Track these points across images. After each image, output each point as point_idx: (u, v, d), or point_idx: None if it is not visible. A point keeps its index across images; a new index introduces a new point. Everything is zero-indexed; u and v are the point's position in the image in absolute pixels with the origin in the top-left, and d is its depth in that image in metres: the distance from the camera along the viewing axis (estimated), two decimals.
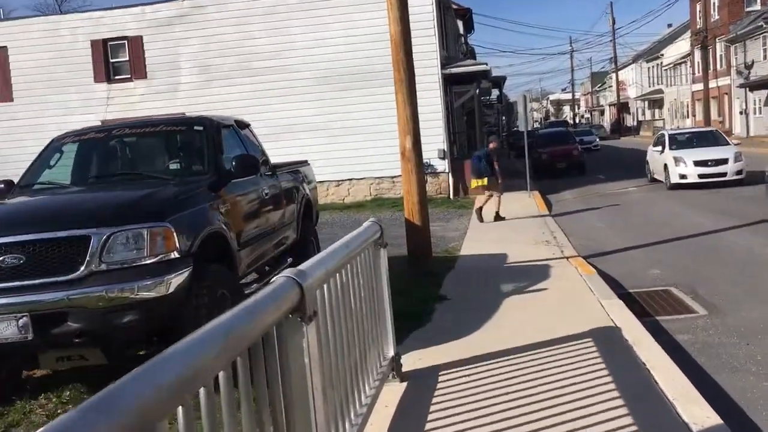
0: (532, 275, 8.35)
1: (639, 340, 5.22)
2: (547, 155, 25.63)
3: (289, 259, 7.33)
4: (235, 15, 19.84)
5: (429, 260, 8.93)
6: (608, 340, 5.29)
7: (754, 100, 38.32)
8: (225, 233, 5.34)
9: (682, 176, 17.83)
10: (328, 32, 19.44)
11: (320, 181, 21.00)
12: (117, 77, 20.77)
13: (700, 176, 17.66)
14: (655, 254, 9.90)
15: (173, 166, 6.09)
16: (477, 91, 20.62)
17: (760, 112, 37.80)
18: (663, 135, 20.38)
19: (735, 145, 19.03)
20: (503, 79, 39.98)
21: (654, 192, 18.26)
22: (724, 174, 17.56)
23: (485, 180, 14.37)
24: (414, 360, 5.25)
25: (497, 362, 4.98)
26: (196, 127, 6.12)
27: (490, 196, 14.51)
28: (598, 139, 44.63)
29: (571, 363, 4.78)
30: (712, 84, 39.60)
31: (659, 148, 19.51)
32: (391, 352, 4.77)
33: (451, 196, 19.67)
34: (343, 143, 19.56)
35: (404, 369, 4.93)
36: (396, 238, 11.40)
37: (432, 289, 7.71)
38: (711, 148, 18.48)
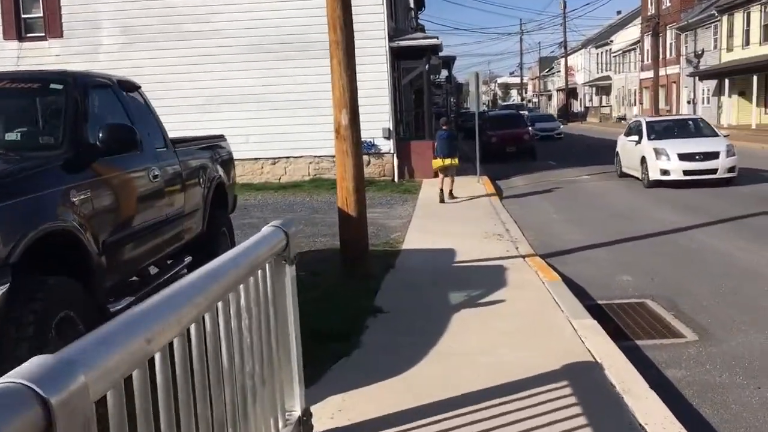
0: (487, 280, 7.09)
1: (629, 387, 3.98)
2: (497, 138, 24.55)
3: (187, 259, 5.85)
4: None
5: (365, 259, 7.56)
6: (591, 386, 4.03)
7: (703, 90, 38.19)
8: (77, 232, 3.84)
9: (664, 171, 14.94)
10: None
11: (254, 159, 19.50)
12: (29, 35, 18.56)
13: (686, 172, 14.79)
14: (623, 255, 8.78)
15: (11, 136, 4.51)
16: (426, 67, 19.26)
17: (708, 102, 37.70)
18: (639, 123, 17.24)
19: (725, 136, 16.14)
20: (453, 59, 38.76)
21: (612, 181, 17.31)
22: (714, 170, 14.70)
23: (456, 159, 14.67)
24: (332, 411, 3.88)
25: (446, 418, 3.66)
26: (52, 85, 4.55)
27: (449, 176, 14.59)
28: (561, 126, 39.45)
29: (546, 426, 3.49)
30: (661, 72, 39.30)
31: (635, 138, 16.51)
32: (297, 409, 3.39)
33: (396, 179, 18.34)
34: (279, 118, 17.94)
35: (317, 430, 3.55)
36: (332, 226, 10.05)
37: (365, 299, 6.35)
38: (698, 139, 15.80)
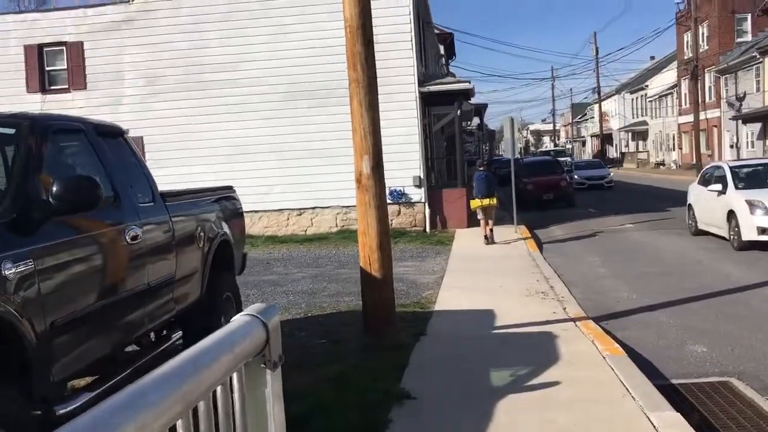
0: (534, 352, 6.02)
1: None
2: (534, 186, 23.51)
3: (176, 335, 4.92)
4: (187, 21, 17.54)
5: (391, 325, 6.56)
6: None
7: (747, 134, 36.76)
8: (10, 317, 2.94)
9: (764, 230, 11.71)
10: (292, 42, 17.20)
11: (279, 210, 18.75)
12: (53, 87, 18.33)
13: None
14: (689, 318, 7.62)
15: None
16: (458, 113, 18.50)
17: (753, 146, 36.20)
18: (721, 169, 13.80)
19: None
20: (484, 106, 38.13)
21: (660, 231, 16.09)
22: None
23: (494, 199, 14.82)
24: None
25: None
26: (2, 130, 3.74)
27: (488, 219, 14.71)
28: (611, 173, 33.63)
29: None
30: (700, 116, 38.05)
31: (716, 187, 13.17)
32: None
33: (428, 230, 17.37)
34: (306, 167, 17.22)
35: None
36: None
37: (390, 378, 5.32)
38: None
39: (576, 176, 31.14)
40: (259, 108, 17.40)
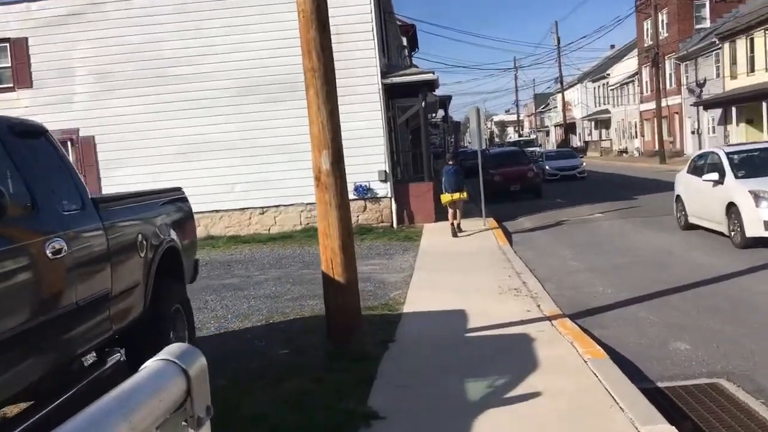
0: (512, 358, 5.62)
1: None
2: (500, 177, 23.23)
3: (112, 359, 4.39)
4: (140, 14, 16.74)
5: (357, 333, 6.10)
6: None
7: (708, 120, 37.09)
8: None
9: None
10: (251, 34, 16.55)
11: (242, 209, 18.10)
12: None
13: None
14: (668, 313, 7.31)
15: None
16: (423, 104, 18.08)
17: (714, 132, 36.54)
18: (716, 155, 12.30)
19: None
20: (449, 98, 37.83)
21: (628, 219, 15.90)
22: None
23: (464, 193, 14.94)
24: None
25: None
26: None
27: (456, 210, 14.87)
28: (584, 163, 31.59)
29: None
30: (662, 103, 38.25)
31: (713, 176, 11.71)
32: None
33: (395, 225, 16.93)
34: (268, 164, 16.64)
35: None
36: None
37: (356, 395, 4.85)
38: None
39: (547, 167, 30.11)
40: (218, 103, 16.73)
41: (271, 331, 7.54)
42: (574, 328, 6.61)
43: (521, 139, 68.10)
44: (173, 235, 5.69)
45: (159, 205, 5.65)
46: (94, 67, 16.91)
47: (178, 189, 6.46)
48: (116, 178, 16.92)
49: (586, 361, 5.29)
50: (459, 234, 14.60)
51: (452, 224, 14.73)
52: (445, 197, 14.95)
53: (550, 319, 7.13)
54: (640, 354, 5.91)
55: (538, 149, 50.22)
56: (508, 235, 14.85)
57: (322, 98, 5.85)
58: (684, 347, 6.02)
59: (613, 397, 4.47)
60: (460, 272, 10.52)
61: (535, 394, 4.59)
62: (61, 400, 3.73)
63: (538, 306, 7.85)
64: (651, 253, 11.26)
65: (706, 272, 9.16)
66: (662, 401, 4.77)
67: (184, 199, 6.39)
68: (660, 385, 5.15)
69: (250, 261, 13.45)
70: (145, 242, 5.04)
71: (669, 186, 23.93)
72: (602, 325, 6.99)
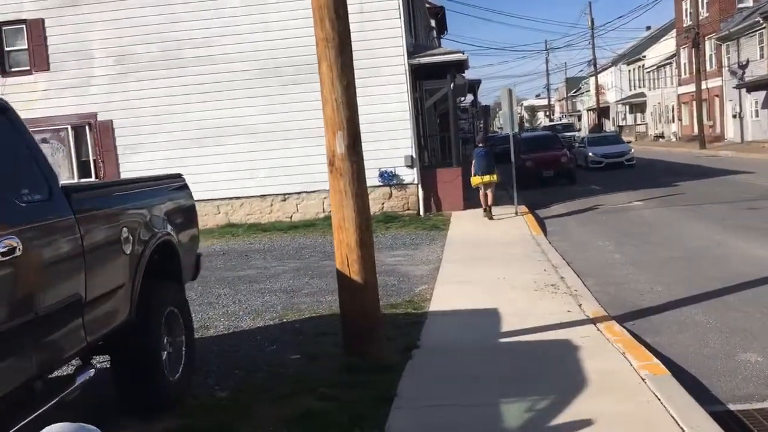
0: (553, 371, 4.87)
1: None
2: (533, 162, 22.29)
3: (81, 377, 3.73)
4: None
5: (376, 340, 5.38)
6: None
7: (751, 102, 35.49)
8: None
9: None
10: (273, 13, 15.84)
11: (262, 196, 17.47)
12: (13, 69, 16.93)
13: None
14: (729, 316, 6.46)
15: None
16: (452, 86, 17.24)
17: (757, 115, 34.96)
18: None
19: None
20: (478, 82, 36.72)
21: (672, 208, 14.91)
22: None
23: (495, 175, 14.81)
24: None
25: None
26: None
27: (487, 192, 14.73)
28: (632, 149, 28.06)
29: None
30: (701, 86, 36.71)
31: None
32: None
33: (422, 213, 16.17)
34: (291, 149, 15.96)
35: None
36: None
37: (373, 418, 4.14)
38: None
39: (590, 153, 27.16)
40: (239, 86, 16.09)
41: (283, 331, 6.88)
42: (624, 333, 5.82)
43: (558, 123, 62.80)
44: (169, 227, 5.03)
45: (153, 194, 4.99)
46: (112, 50, 16.37)
47: (178, 176, 5.79)
48: (135, 164, 16.42)
49: (643, 379, 4.51)
50: (493, 217, 14.55)
51: (485, 208, 14.71)
52: (476, 179, 14.90)
53: (594, 321, 6.35)
54: (704, 367, 5.11)
55: (577, 134, 46.97)
56: (542, 223, 14.01)
57: (336, 72, 5.11)
58: (755, 359, 5.20)
59: (679, 426, 3.70)
60: (491, 265, 9.75)
61: (585, 423, 3.83)
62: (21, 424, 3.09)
63: (580, 306, 7.07)
64: (700, 244, 10.35)
65: (766, 267, 8.26)
66: (736, 428, 3.99)
67: (184, 187, 5.73)
68: (732, 408, 4.37)
69: (269, 250, 12.83)
70: (131, 237, 4.38)
71: (712, 172, 22.89)
72: (655, 330, 6.18)
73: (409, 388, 4.68)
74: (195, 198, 17.72)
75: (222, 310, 8.09)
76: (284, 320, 7.37)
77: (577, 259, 10.02)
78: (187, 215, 5.56)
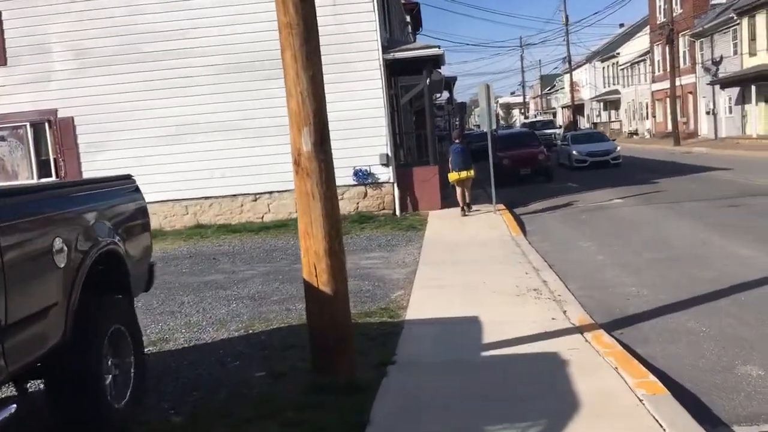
0: (540, 390, 4.43)
1: None
2: (509, 160, 21.95)
3: (5, 412, 3.21)
4: None
5: (346, 357, 4.90)
6: None
7: (725, 99, 35.60)
8: None
9: None
10: (239, 5, 15.26)
11: (233, 195, 16.84)
12: None
13: None
14: (723, 322, 6.09)
15: None
16: (428, 82, 16.79)
17: (731, 112, 35.08)
18: None
19: None
20: (453, 79, 36.36)
21: (652, 206, 14.64)
22: None
23: (471, 171, 14.82)
24: None
25: None
26: None
27: (464, 189, 14.82)
28: (617, 147, 26.64)
29: None
30: (675, 83, 36.73)
31: None
32: None
33: (398, 213, 15.72)
34: (261, 146, 15.38)
35: None
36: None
37: None
38: None
39: (574, 152, 25.83)
40: (207, 81, 15.47)
41: (249, 344, 6.37)
42: (614, 345, 5.41)
43: (537, 120, 60.27)
44: (115, 235, 4.50)
45: (95, 198, 4.45)
46: (73, 43, 15.65)
47: (127, 177, 5.26)
48: (98, 163, 15.75)
49: (641, 399, 4.09)
50: (468, 213, 14.76)
51: (462, 206, 14.80)
52: (453, 176, 14.89)
53: (581, 330, 5.94)
54: (702, 382, 4.72)
55: (557, 131, 45.22)
56: (521, 223, 13.64)
57: (302, 61, 4.62)
58: (757, 373, 4.82)
59: None
60: (469, 267, 9.32)
61: None
62: None
63: (564, 312, 6.67)
64: (685, 244, 10.02)
65: (755, 269, 7.93)
66: None
67: (135, 190, 5.19)
68: (738, 430, 3.96)
69: (239, 253, 12.28)
70: (66, 248, 3.85)
71: (688, 168, 22.74)
72: (645, 339, 5.78)
73: (383, 412, 4.20)
74: (162, 198, 17.16)
75: (184, 320, 7.55)
76: (250, 331, 6.86)
77: (558, 260, 9.63)
78: (137, 221, 5.03)
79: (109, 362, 4.29)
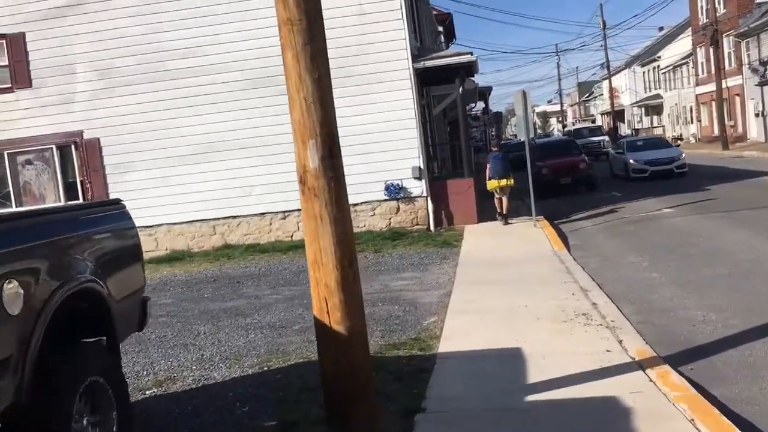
0: None
1: None
2: (548, 169, 21.01)
3: None
4: (141, 2, 15.13)
5: (367, 410, 4.16)
6: None
7: None
8: None
9: None
10: (261, 19, 14.71)
11: (261, 214, 16.31)
12: None
13: None
14: None
15: None
16: (461, 90, 16.06)
17: None
18: None
19: None
20: (489, 89, 35.53)
21: (707, 215, 13.59)
22: None
23: (511, 179, 14.77)
24: None
25: None
26: None
27: (502, 198, 14.76)
28: (683, 154, 23.65)
29: None
30: (721, 85, 35.24)
31: None
32: None
33: (432, 228, 14.95)
34: (288, 163, 14.47)
35: None
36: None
37: None
38: None
39: (631, 161, 22.78)
40: (230, 98, 15.00)
41: (263, 384, 5.68)
42: (685, 386, 4.57)
43: (583, 126, 53.51)
44: (93, 270, 3.86)
45: (66, 228, 3.82)
46: (96, 63, 15.35)
47: (116, 202, 4.64)
48: (124, 184, 15.38)
49: None
50: (510, 222, 14.66)
51: (499, 213, 14.82)
52: (492, 183, 14.87)
53: (642, 366, 5.11)
54: None
55: (606, 138, 40.00)
56: (564, 236, 12.76)
57: (305, 63, 3.94)
58: None
59: None
60: (509, 288, 8.51)
61: None
62: None
63: (620, 342, 5.83)
64: (751, 258, 9.03)
65: None
66: None
67: (122, 216, 4.55)
68: None
69: (265, 275, 11.66)
70: (22, 290, 3.21)
71: (741, 174, 21.40)
72: (721, 378, 4.92)
73: None
74: (189, 218, 16.36)
75: (197, 354, 6.91)
76: (266, 368, 6.18)
77: (608, 279, 8.76)
78: (124, 251, 4.40)
79: (85, 421, 3.64)
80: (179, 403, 5.40)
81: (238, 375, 6.04)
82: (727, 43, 39.18)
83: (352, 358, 4.07)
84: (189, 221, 15.53)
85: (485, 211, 15.66)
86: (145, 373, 6.41)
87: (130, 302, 4.40)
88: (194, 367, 6.42)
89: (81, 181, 15.87)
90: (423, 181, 14.93)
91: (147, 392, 5.78)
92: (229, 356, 6.70)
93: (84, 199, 15.67)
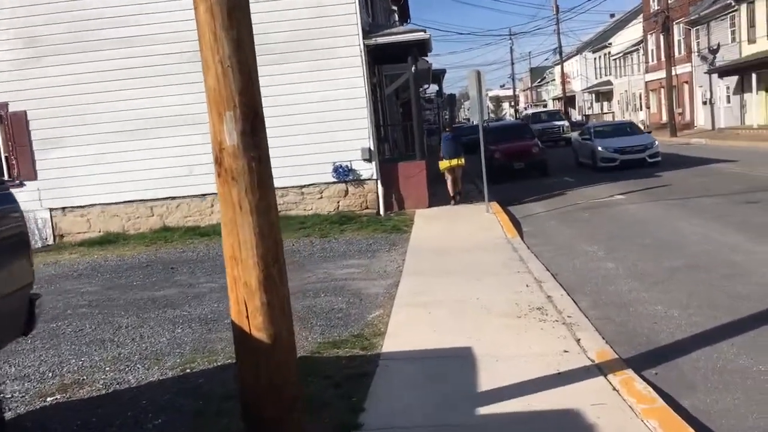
0: None
1: None
2: (501, 154, 20.61)
3: None
4: None
5: (294, 421, 3.56)
6: None
7: (723, 88, 34.38)
8: None
9: None
10: None
11: (202, 195, 14.97)
12: None
13: None
14: None
15: None
16: (414, 69, 15.45)
17: (729, 101, 33.88)
18: None
19: None
20: (443, 72, 34.97)
21: (660, 202, 13.36)
22: None
23: (462, 159, 15.14)
24: None
25: None
26: None
27: (456, 178, 15.10)
28: (656, 142, 21.40)
29: None
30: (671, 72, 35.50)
31: None
32: None
33: (381, 212, 14.37)
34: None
35: None
36: (296, 298, 5.96)
37: None
38: None
39: (599, 148, 20.79)
40: (170, 71, 14.02)
41: (181, 390, 5.03)
42: (652, 397, 4.11)
43: (541, 110, 48.98)
44: None
45: None
46: (21, 30, 14.18)
47: None
48: (54, 161, 14.38)
49: None
50: (458, 203, 14.92)
51: (451, 195, 15.06)
52: (444, 164, 15.14)
53: (603, 371, 4.65)
54: None
55: (566, 123, 37.11)
56: (517, 223, 12.34)
57: (221, 19, 3.27)
58: None
59: None
60: (460, 278, 8.01)
61: None
62: None
63: (578, 341, 5.38)
64: (707, 248, 8.72)
65: None
66: None
67: (5, 199, 3.82)
68: None
69: (202, 261, 10.93)
70: None
71: (691, 161, 21.38)
72: (691, 385, 4.48)
73: None
74: (125, 198, 15.21)
75: (114, 352, 6.20)
76: (188, 370, 5.52)
77: (563, 269, 8.33)
78: (4, 241, 3.67)
79: None
80: (82, 413, 4.71)
81: (156, 378, 5.37)
82: (678, 31, 39.53)
83: (277, 372, 3.45)
84: (125, 201, 14.61)
85: (437, 195, 15.18)
86: (51, 374, 5.68)
87: (12, 301, 3.69)
88: (108, 368, 5.72)
89: (6, 157, 14.73)
90: (373, 163, 14.32)
91: (48, 399, 5.07)
92: (150, 355, 6.01)
93: (9, 177, 14.56)
